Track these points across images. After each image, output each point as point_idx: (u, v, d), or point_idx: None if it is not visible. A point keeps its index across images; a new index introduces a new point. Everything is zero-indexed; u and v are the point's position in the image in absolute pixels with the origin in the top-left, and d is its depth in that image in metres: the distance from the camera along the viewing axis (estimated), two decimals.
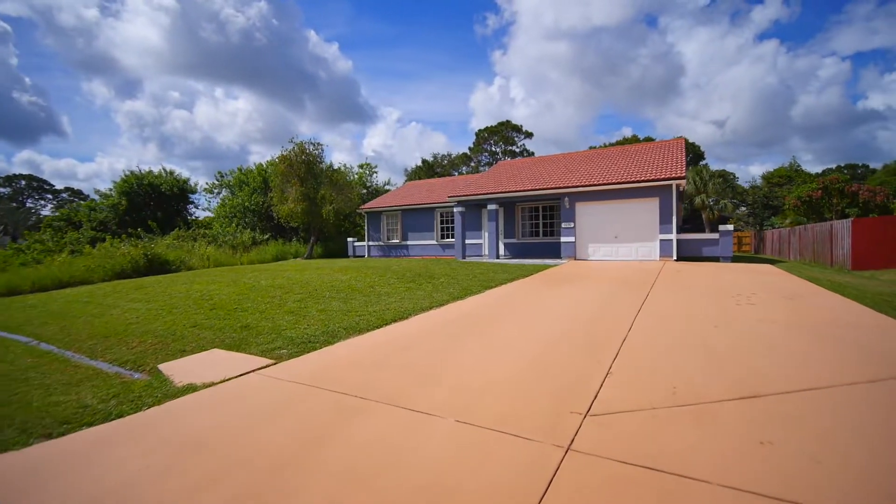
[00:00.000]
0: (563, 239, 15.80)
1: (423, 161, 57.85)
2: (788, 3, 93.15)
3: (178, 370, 4.58)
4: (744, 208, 34.19)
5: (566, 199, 15.60)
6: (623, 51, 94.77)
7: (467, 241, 20.00)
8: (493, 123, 51.93)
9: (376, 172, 34.22)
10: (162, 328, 6.95)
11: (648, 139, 40.47)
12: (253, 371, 4.33)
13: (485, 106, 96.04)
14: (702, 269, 11.73)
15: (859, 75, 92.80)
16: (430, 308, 7.29)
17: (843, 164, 52.02)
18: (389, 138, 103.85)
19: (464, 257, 17.92)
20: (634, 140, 41.64)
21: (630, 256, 14.76)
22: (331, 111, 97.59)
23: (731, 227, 13.61)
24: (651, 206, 14.35)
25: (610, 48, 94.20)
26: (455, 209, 17.98)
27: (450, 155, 58.15)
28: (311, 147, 20.13)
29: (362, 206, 23.41)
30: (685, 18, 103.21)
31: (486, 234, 16.90)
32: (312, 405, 3.40)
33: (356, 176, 33.12)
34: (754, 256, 22.48)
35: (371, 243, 23.32)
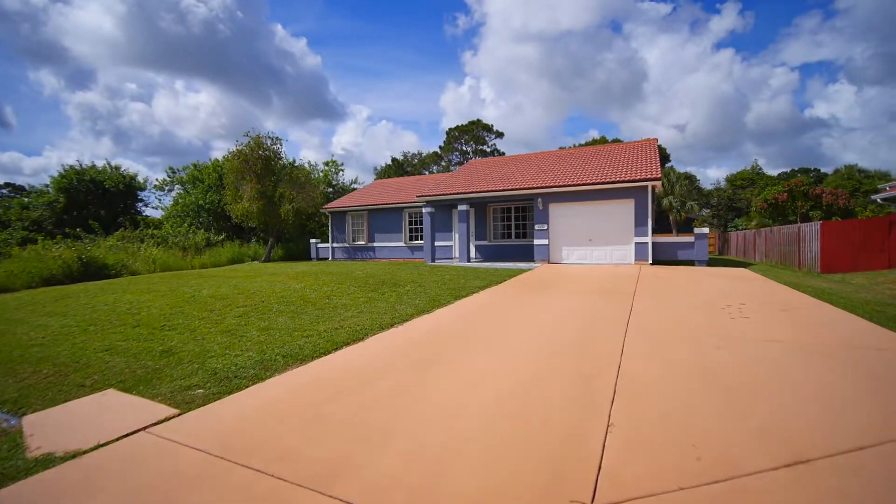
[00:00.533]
0: (536, 242, 15.15)
1: (393, 160, 56.61)
2: (743, 15, 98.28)
3: (47, 425, 3.46)
4: (708, 210, 34.94)
5: (539, 199, 14.96)
6: (590, 55, 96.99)
7: (437, 244, 19.10)
8: (464, 123, 51.29)
9: (342, 170, 32.78)
10: (67, 353, 5.73)
11: (616, 141, 40.81)
12: (146, 428, 3.26)
13: (455, 106, 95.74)
14: (680, 274, 11.29)
15: (806, 85, 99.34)
16: (392, 325, 6.33)
17: (797, 168, 54.46)
18: (359, 136, 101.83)
19: (433, 260, 17.01)
20: (603, 141, 41.94)
21: (605, 260, 14.27)
22: (299, 107, 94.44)
23: (706, 230, 13.30)
24: (626, 208, 13.89)
25: (577, 52, 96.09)
26: (424, 210, 17.05)
27: (420, 154, 57.14)
28: (269, 141, 18.71)
29: (326, 206, 22.10)
30: (648, 25, 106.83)
31: (457, 236, 16.10)
32: (208, 498, 2.40)
33: (321, 174, 31.63)
34: (721, 258, 22.65)
35: (335, 245, 22.05)
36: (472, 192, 15.91)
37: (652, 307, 6.96)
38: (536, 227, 15.16)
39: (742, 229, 28.36)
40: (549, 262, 14.93)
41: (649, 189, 13.39)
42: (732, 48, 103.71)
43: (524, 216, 17.69)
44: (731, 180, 32.41)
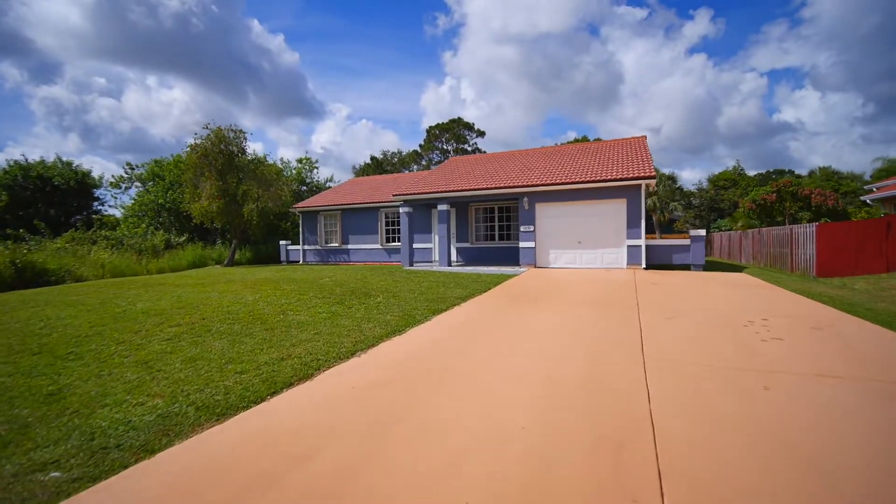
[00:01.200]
0: (521, 244, 14.11)
1: (373, 158, 55.14)
2: (715, 21, 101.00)
3: None
4: (690, 211, 34.75)
5: (525, 199, 13.92)
6: (568, 57, 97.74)
7: (415, 246, 17.89)
8: (445, 121, 50.19)
9: (317, 167, 31.16)
10: None
11: (598, 141, 40.23)
12: None
13: (436, 106, 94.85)
14: (679, 280, 10.39)
15: (774, 91, 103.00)
16: (353, 352, 5.12)
17: (772, 170, 55.30)
18: (339, 135, 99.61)
19: (411, 264, 15.80)
20: (585, 141, 41.38)
21: (595, 264, 13.32)
22: (276, 105, 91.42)
23: (702, 232, 12.49)
24: (618, 209, 12.97)
25: (555, 54, 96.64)
26: (401, 209, 15.81)
27: (400, 153, 55.79)
28: (232, 134, 17.12)
29: (296, 205, 20.61)
30: (624, 29, 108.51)
31: (437, 238, 14.96)
32: None
33: (294, 171, 30.00)
34: (708, 261, 22.12)
35: (306, 247, 20.58)
36: (453, 191, 14.77)
37: (664, 325, 5.93)
38: (522, 228, 14.12)
39: (726, 230, 28.05)
40: (535, 267, 13.91)
41: (643, 188, 12.50)
42: (705, 53, 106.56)
43: (508, 217, 16.65)
44: (713, 181, 32.22)
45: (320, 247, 20.08)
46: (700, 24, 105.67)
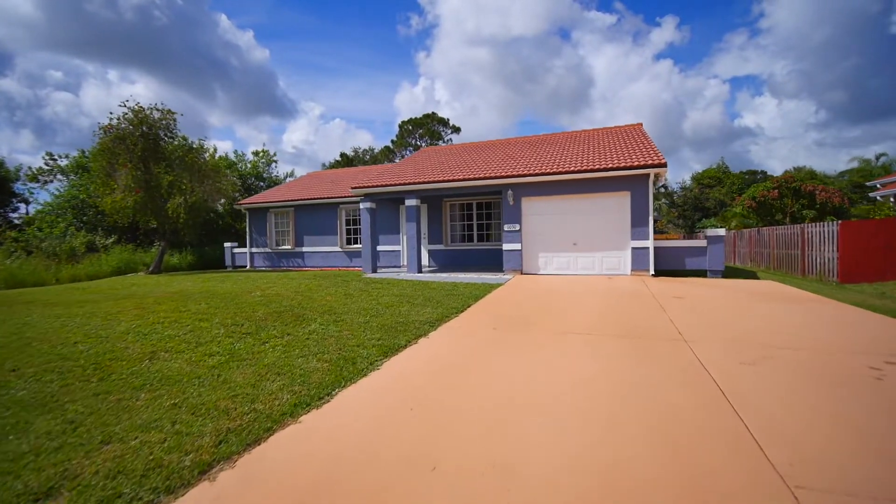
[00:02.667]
0: (506, 246, 11.83)
1: (343, 155, 52.20)
2: (680, 29, 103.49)
3: None
4: (672, 210, 33.53)
5: (509, 192, 11.64)
6: (540, 60, 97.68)
7: (380, 248, 15.38)
8: (419, 116, 47.71)
9: (275, 161, 28.10)
10: None
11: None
12: None
13: (410, 106, 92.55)
14: (705, 291, 8.30)
15: (735, 97, 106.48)
16: (207, 466, 2.62)
17: (744, 171, 55.27)
18: (311, 134, 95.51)
19: (374, 270, 13.28)
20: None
21: (593, 269, 11.16)
22: (246, 103, 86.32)
23: (721, 231, 10.49)
24: (620, 203, 10.86)
25: (528, 57, 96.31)
26: (361, 206, 13.27)
27: (372, 150, 52.99)
28: (158, 114, 14.17)
29: (243, 201, 17.72)
30: (595, 34, 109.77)
31: (405, 239, 12.56)
32: None
33: (249, 165, 26.88)
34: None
35: (255, 250, 17.71)
36: (423, 183, 12.35)
37: (750, 378, 3.69)
38: (506, 227, 11.84)
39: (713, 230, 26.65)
40: (521, 273, 11.65)
41: (650, 178, 10.42)
42: (671, 59, 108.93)
43: (489, 214, 14.37)
44: (697, 179, 30.98)
45: (270, 250, 17.26)
46: (667, 31, 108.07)
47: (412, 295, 8.60)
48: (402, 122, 47.97)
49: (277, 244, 17.25)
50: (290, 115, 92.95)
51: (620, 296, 7.99)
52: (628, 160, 10.68)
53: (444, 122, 46.67)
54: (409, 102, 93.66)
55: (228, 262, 18.39)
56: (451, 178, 12.17)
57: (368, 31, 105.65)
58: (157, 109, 14.29)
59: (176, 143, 14.57)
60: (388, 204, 14.68)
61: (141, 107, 13.77)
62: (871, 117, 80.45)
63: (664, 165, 10.10)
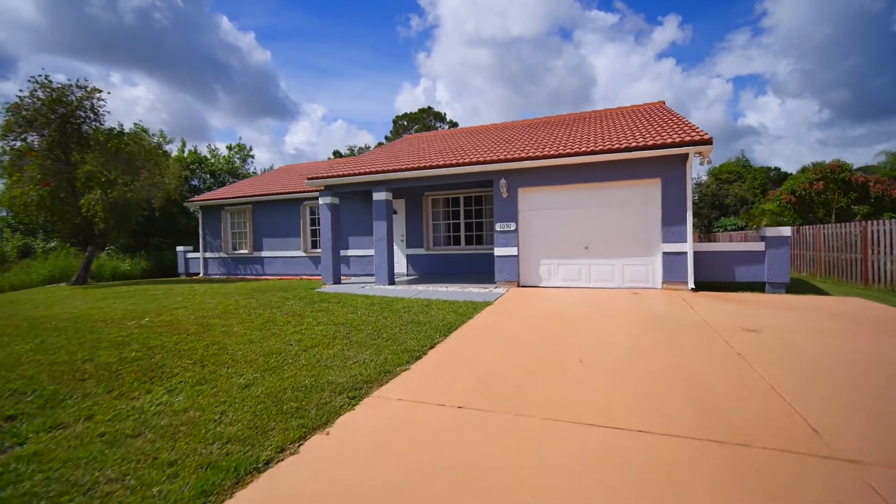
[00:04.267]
0: (498, 251, 9.26)
1: (336, 153, 49.69)
2: (682, 28, 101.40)
3: None
4: None
5: (502, 182, 9.07)
6: (541, 60, 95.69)
7: (351, 253, 12.83)
8: (414, 111, 45.26)
9: (252, 156, 25.57)
10: None
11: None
12: None
13: (411, 107, 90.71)
14: (783, 318, 5.69)
15: (739, 96, 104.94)
16: None
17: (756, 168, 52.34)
18: (314, 136, 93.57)
19: (336, 281, 10.72)
20: None
21: (611, 281, 8.58)
22: (248, 105, 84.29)
23: (786, 230, 7.86)
24: (648, 194, 8.27)
25: (529, 57, 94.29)
26: (321, 200, 10.71)
27: (368, 147, 50.54)
28: (79, 92, 11.67)
29: (193, 199, 15.21)
30: (596, 34, 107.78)
31: (377, 242, 10.05)
32: None
33: (222, 159, 24.38)
34: None
35: (208, 255, 15.18)
36: (394, 171, 9.78)
37: None
38: (498, 226, 9.27)
39: (733, 229, 24.05)
40: (518, 285, 9.08)
41: (689, 161, 7.83)
42: (673, 58, 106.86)
43: (481, 211, 11.81)
44: (715, 174, 28.32)
45: (226, 255, 14.73)
46: (669, 30, 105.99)
47: (361, 322, 6.04)
48: (397, 116, 45.52)
49: (234, 248, 14.71)
50: (292, 116, 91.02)
51: (660, 326, 5.41)
52: (658, 138, 8.09)
53: (440, 117, 44.17)
54: (411, 103, 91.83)
55: (182, 268, 15.89)
56: (427, 164, 9.60)
57: (369, 32, 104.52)
58: (79, 86, 11.79)
59: (102, 127, 12.05)
60: (359, 200, 12.14)
61: (50, 80, 11.23)
62: (875, 116, 77.99)
63: (709, 142, 7.51)
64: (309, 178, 10.64)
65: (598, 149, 8.22)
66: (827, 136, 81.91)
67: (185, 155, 23.77)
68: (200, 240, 15.10)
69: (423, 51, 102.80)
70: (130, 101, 63.83)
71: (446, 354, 4.56)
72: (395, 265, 12.32)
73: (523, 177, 9.02)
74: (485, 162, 9.04)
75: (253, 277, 13.86)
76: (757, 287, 8.03)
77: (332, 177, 10.35)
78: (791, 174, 49.16)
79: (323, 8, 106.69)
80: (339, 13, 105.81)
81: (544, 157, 8.59)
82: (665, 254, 8.04)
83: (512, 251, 9.12)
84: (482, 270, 11.36)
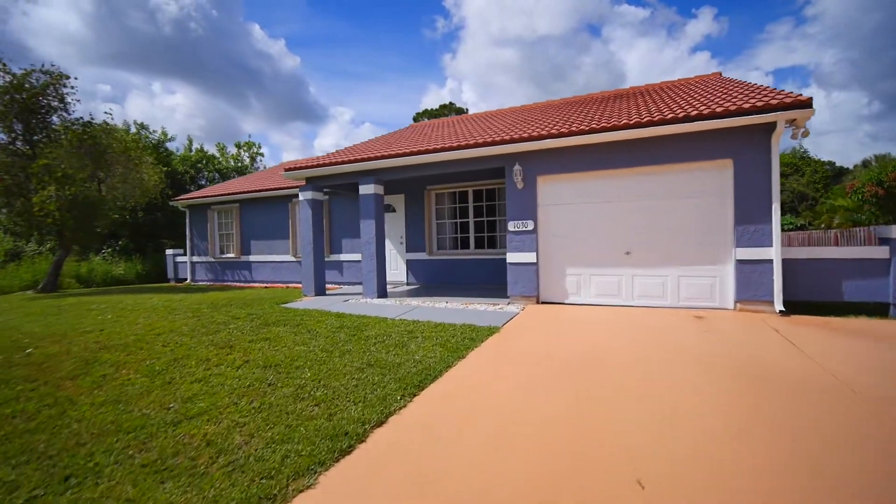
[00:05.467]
0: (511, 257, 7.26)
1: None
2: (718, 20, 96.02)
3: None
4: None
5: (517, 168, 7.07)
6: (569, 58, 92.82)
7: (343, 258, 11.10)
8: (435, 107, 43.56)
9: (261, 154, 24.38)
10: None
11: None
12: None
13: (436, 107, 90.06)
14: None
15: (779, 89, 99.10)
16: None
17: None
18: (342, 139, 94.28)
19: (320, 291, 8.97)
20: None
21: (662, 298, 6.44)
22: (278, 109, 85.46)
23: None
24: (713, 182, 6.12)
25: (556, 55, 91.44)
26: (301, 196, 8.99)
27: None
28: (44, 77, 10.44)
29: (178, 197, 13.86)
30: (626, 29, 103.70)
31: (365, 245, 8.25)
32: None
33: (230, 157, 23.28)
34: None
35: (196, 259, 13.79)
36: (384, 158, 7.94)
37: None
38: (511, 226, 7.28)
39: (790, 229, 21.03)
40: (537, 301, 7.07)
41: (777, 134, 5.63)
42: (708, 51, 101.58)
43: (493, 208, 9.83)
44: None
45: (213, 259, 13.28)
46: (703, 23, 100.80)
47: (304, 363, 4.21)
48: (417, 114, 43.83)
49: (221, 252, 13.25)
50: (321, 120, 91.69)
51: (760, 384, 3.32)
52: (731, 104, 5.93)
53: (461, 113, 42.25)
54: (436, 104, 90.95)
55: (171, 273, 14.61)
56: (422, 148, 7.71)
57: (396, 36, 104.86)
58: (44, 71, 10.55)
59: (70, 117, 10.78)
60: (353, 196, 10.36)
61: (5, 65, 9.98)
62: None
63: (807, 104, 5.31)
64: (286, 170, 8.94)
65: (645, 121, 6.12)
66: (878, 130, 75.06)
67: (192, 153, 22.81)
68: (188, 242, 13.74)
69: (449, 52, 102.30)
70: (170, 108, 65.25)
71: (395, 448, 2.65)
72: (392, 272, 10.49)
73: (544, 161, 7.00)
74: (493, 143, 7.07)
75: (239, 285, 12.34)
76: (873, 309, 5.71)
77: (313, 167, 8.61)
78: (849, 169, 44.57)
79: (351, 15, 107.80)
80: (367, 18, 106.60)
81: (571, 133, 6.55)
82: (739, 262, 5.86)
83: (529, 257, 7.11)
84: (495, 279, 9.38)
